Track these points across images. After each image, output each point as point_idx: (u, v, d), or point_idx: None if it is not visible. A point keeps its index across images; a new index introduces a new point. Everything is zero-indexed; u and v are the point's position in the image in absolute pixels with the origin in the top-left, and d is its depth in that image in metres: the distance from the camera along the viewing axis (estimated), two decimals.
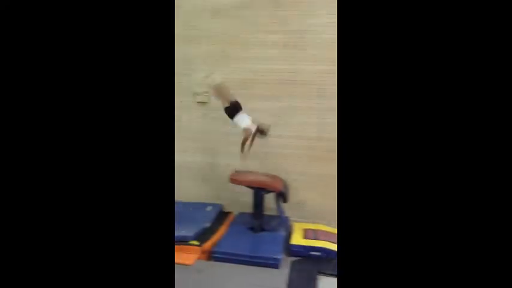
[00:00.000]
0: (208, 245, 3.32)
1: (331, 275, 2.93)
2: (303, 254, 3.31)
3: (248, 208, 3.86)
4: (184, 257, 3.18)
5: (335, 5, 2.70)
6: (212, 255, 3.23)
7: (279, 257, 3.12)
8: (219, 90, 3.45)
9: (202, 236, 3.43)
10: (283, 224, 3.59)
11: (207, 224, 3.63)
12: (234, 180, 3.65)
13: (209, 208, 4.00)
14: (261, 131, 3.43)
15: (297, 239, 3.49)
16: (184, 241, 3.30)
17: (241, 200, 4.03)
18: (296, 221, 3.87)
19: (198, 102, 4.03)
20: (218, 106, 4.03)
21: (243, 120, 3.38)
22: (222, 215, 3.99)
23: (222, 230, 3.64)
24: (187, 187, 4.29)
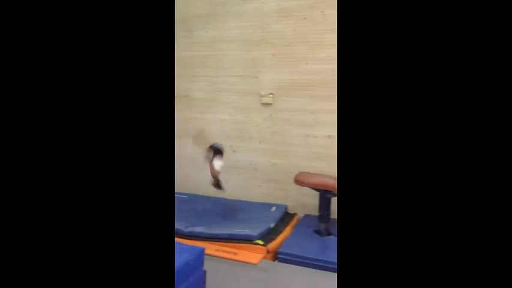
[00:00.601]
0: (273, 245, 3.32)
1: None
2: None
3: (314, 210, 3.79)
4: (250, 255, 3.22)
5: None
6: (278, 256, 3.22)
7: None
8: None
9: (267, 236, 3.45)
10: None
11: (272, 225, 3.63)
12: (299, 181, 3.61)
13: (273, 208, 4.01)
14: (216, 150, 3.57)
15: None
16: (249, 240, 3.34)
17: (307, 202, 3.97)
18: None
19: (262, 103, 4.08)
20: (283, 107, 4.05)
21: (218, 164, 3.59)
22: (286, 216, 3.97)
23: (287, 231, 3.62)
24: (253, 187, 4.35)
